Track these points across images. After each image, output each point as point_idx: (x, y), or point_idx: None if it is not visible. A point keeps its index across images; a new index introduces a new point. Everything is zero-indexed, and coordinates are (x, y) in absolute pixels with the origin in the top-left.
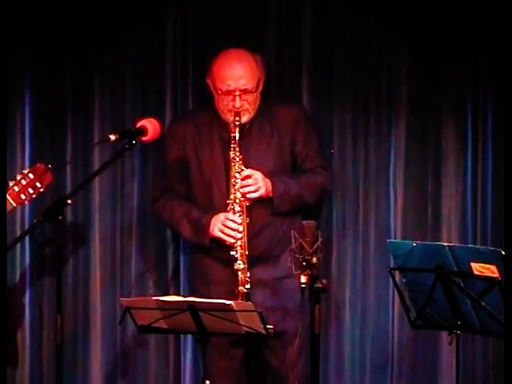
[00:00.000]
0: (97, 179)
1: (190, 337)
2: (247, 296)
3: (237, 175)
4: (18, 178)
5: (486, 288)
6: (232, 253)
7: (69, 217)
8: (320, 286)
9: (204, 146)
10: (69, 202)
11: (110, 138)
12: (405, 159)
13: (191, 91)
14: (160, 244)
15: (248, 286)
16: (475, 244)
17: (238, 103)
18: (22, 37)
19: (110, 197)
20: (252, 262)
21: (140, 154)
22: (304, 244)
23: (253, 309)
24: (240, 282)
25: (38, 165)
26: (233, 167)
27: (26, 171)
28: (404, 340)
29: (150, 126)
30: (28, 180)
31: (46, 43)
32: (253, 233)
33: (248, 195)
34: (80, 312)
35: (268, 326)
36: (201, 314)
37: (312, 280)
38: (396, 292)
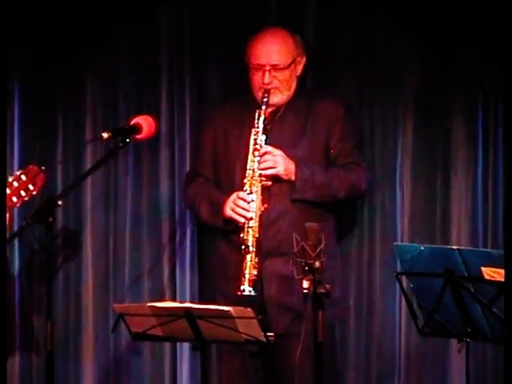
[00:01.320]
0: (89, 179)
1: (186, 345)
2: (255, 284)
3: (256, 153)
4: (10, 179)
5: (497, 293)
6: (242, 235)
7: (59, 219)
8: (323, 291)
9: (234, 128)
10: (59, 203)
11: (102, 136)
12: (412, 159)
13: (188, 86)
14: (155, 247)
15: (255, 272)
16: (486, 247)
17: (266, 79)
18: (12, 33)
19: (102, 198)
20: (269, 252)
21: (134, 152)
22: (306, 247)
23: (252, 315)
24: (247, 268)
25: (31, 166)
26: (253, 145)
27: (18, 173)
28: (411, 348)
29: (145, 124)
30: (20, 182)
31: (36, 37)
32: (269, 219)
33: (264, 171)
34: (71, 318)
35: (268, 334)
36: (198, 320)
37: (315, 285)
38: (403, 298)
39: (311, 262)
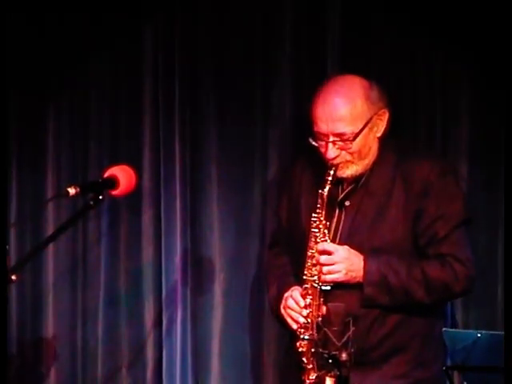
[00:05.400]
0: (50, 248)
1: None
2: None
3: (315, 247)
4: None
5: None
6: (297, 344)
7: (13, 298)
8: None
9: (307, 196)
10: (13, 278)
11: (68, 192)
12: None
13: (178, 129)
14: (137, 332)
15: None
16: None
17: (330, 153)
18: None
19: (67, 272)
20: None
21: (109, 213)
22: (330, 335)
23: None
24: None
25: None
26: (313, 234)
27: None
28: None
29: (123, 176)
30: None
31: None
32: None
33: (322, 276)
34: None
35: None
36: None
37: (341, 383)
38: None
39: (336, 353)
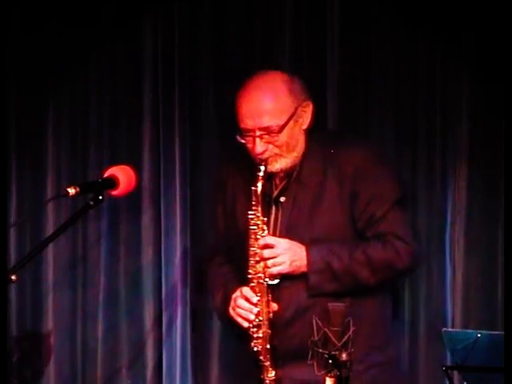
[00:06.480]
0: (50, 248)
1: None
2: None
3: (255, 244)
4: None
5: None
6: (252, 344)
7: (13, 298)
8: None
9: (241, 193)
10: (13, 278)
11: (68, 192)
12: (466, 219)
13: (178, 129)
14: (136, 333)
15: None
16: None
17: (258, 147)
18: None
19: (68, 271)
20: (288, 357)
21: (108, 213)
22: (330, 335)
23: None
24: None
25: None
26: (252, 232)
27: None
28: None
29: (123, 176)
30: None
31: None
32: (284, 320)
33: (268, 270)
34: None
35: None
36: None
37: (341, 383)
38: None
39: (336, 353)
